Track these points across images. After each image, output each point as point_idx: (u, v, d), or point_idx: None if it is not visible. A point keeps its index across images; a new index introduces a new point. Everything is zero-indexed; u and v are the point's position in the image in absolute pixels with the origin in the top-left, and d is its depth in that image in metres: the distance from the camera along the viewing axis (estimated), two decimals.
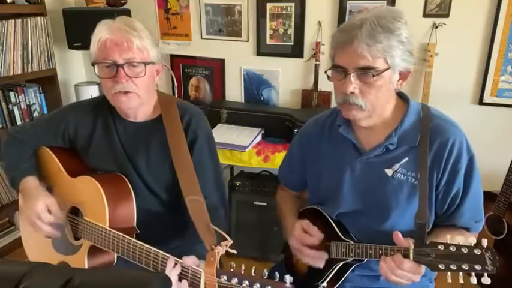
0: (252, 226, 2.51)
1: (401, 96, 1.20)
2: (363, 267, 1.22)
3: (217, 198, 1.36)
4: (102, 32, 1.21)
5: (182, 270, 1.04)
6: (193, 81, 2.93)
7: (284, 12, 2.53)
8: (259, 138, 2.44)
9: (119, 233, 1.17)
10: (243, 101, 2.82)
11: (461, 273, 0.96)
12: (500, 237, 1.94)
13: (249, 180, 2.55)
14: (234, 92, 2.83)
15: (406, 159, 1.14)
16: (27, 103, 2.64)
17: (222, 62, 2.79)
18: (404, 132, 1.14)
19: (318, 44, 2.47)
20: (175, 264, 1.05)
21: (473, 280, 0.95)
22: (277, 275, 0.85)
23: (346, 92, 1.08)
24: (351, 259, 1.18)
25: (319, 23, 2.47)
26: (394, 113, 1.17)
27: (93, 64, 1.25)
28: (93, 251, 1.26)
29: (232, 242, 1.01)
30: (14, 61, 2.40)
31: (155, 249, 1.10)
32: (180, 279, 1.04)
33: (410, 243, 1.02)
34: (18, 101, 2.59)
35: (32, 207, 1.26)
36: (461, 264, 0.94)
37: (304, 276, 1.31)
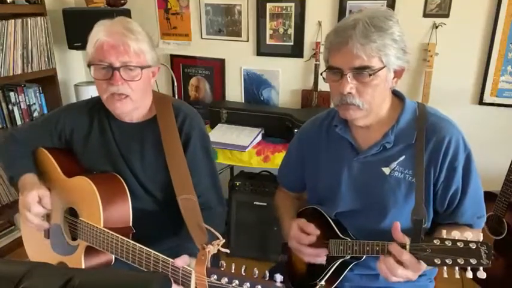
0: (252, 226, 2.52)
1: (396, 94, 1.22)
2: (362, 266, 1.22)
3: (212, 197, 1.36)
4: (99, 33, 1.22)
5: (173, 271, 1.03)
6: (193, 81, 2.93)
7: (284, 12, 2.53)
8: (259, 138, 2.44)
9: (112, 233, 1.17)
10: (243, 101, 2.82)
11: (457, 268, 0.96)
12: (500, 237, 1.94)
13: (249, 180, 2.56)
14: (234, 92, 2.83)
15: (403, 157, 1.15)
16: (27, 103, 2.64)
17: (222, 62, 2.79)
18: (401, 131, 1.15)
19: (318, 44, 2.47)
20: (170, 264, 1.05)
21: (469, 274, 0.94)
22: (267, 274, 0.85)
23: (343, 93, 1.09)
24: (349, 256, 1.18)
25: (319, 23, 2.47)
26: (390, 112, 1.18)
27: (89, 65, 1.25)
28: (89, 251, 1.26)
29: (224, 241, 1.01)
30: (14, 61, 2.39)
31: (147, 249, 1.10)
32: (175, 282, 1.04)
33: (406, 239, 1.02)
34: (18, 101, 2.59)
35: (24, 199, 1.27)
36: (456, 258, 0.94)
37: (303, 276, 1.31)
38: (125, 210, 1.26)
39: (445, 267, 0.97)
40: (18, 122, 2.60)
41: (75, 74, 3.08)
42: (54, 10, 2.68)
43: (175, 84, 2.85)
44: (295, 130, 2.27)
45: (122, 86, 1.22)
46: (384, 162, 1.17)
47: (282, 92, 2.70)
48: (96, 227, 1.21)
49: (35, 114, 2.68)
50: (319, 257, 1.21)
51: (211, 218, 1.20)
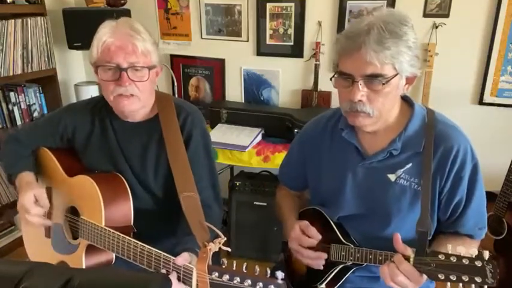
0: (252, 226, 2.51)
1: (405, 100, 1.19)
2: (363, 269, 1.21)
3: (211, 195, 1.37)
4: (105, 34, 1.21)
5: (174, 269, 1.04)
6: (193, 81, 2.93)
7: (284, 12, 2.53)
8: (259, 138, 2.44)
9: (114, 232, 1.17)
10: (243, 101, 2.82)
11: (461, 284, 0.94)
12: (500, 237, 1.94)
13: (249, 180, 2.55)
14: (234, 92, 2.83)
15: (410, 165, 1.12)
16: (27, 103, 2.64)
17: (222, 62, 2.79)
18: (409, 138, 1.12)
19: (318, 44, 2.47)
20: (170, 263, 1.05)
21: None
22: (269, 272, 0.85)
23: (353, 100, 1.05)
24: (350, 263, 1.17)
25: (319, 23, 2.47)
26: (398, 118, 1.15)
27: (95, 66, 1.25)
28: (90, 250, 1.26)
29: (225, 239, 1.01)
30: (14, 61, 2.40)
31: (149, 247, 1.10)
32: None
33: (409, 251, 1.01)
34: (18, 101, 2.60)
35: (20, 202, 1.27)
36: (461, 275, 0.93)
37: (303, 276, 1.31)
38: (126, 209, 1.26)
39: (448, 283, 0.96)
40: (18, 122, 2.61)
41: (75, 74, 3.09)
42: (54, 10, 2.69)
43: (175, 84, 2.85)
44: (295, 130, 2.27)
45: (130, 86, 1.22)
46: (389, 168, 1.14)
47: (282, 92, 2.70)
48: (98, 226, 1.21)
49: (35, 114, 2.68)
50: (318, 260, 1.19)
51: (210, 216, 1.20)
